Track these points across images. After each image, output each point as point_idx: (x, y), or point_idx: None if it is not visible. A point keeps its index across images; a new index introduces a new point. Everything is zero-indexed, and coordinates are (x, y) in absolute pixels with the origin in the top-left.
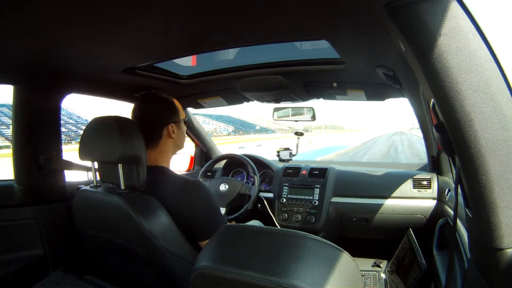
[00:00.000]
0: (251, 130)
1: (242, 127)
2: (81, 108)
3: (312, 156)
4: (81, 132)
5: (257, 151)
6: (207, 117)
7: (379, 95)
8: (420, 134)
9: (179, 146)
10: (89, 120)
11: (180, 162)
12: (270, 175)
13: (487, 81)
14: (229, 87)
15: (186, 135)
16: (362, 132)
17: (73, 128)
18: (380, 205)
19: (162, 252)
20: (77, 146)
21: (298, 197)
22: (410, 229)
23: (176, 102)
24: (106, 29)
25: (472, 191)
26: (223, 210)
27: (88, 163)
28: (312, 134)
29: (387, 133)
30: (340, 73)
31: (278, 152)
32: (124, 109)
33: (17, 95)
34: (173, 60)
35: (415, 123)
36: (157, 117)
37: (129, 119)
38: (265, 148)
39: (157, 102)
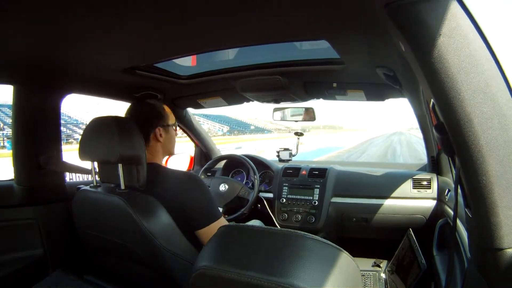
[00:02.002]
0: (247, 130)
1: (238, 127)
2: (71, 108)
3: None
4: (71, 132)
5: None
6: (202, 117)
7: (379, 95)
8: (420, 134)
9: (168, 150)
10: (80, 120)
11: (180, 162)
12: (270, 175)
13: (487, 81)
14: (229, 87)
15: (186, 136)
16: (360, 132)
17: (63, 128)
18: (380, 205)
19: (162, 252)
20: (67, 147)
21: (298, 197)
22: (410, 229)
23: (165, 108)
24: (105, 29)
25: (472, 191)
26: (220, 210)
27: (87, 165)
28: (309, 134)
29: (385, 133)
30: (340, 73)
31: (278, 152)
32: (117, 108)
33: (17, 95)
34: (173, 60)
35: (414, 123)
36: (146, 119)
37: (129, 119)
38: (245, 151)
39: (146, 106)
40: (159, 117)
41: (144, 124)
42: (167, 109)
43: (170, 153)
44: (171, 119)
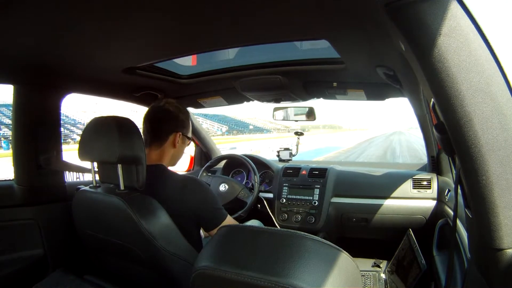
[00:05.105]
0: (246, 130)
1: (237, 127)
2: (69, 107)
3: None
4: (68, 132)
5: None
6: (200, 116)
7: (379, 95)
8: (419, 134)
9: (175, 160)
10: (77, 120)
11: (180, 162)
12: (270, 175)
13: (487, 80)
14: (229, 86)
15: None
16: (359, 132)
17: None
18: (380, 206)
19: (161, 252)
20: (64, 147)
21: (298, 197)
22: (410, 229)
23: (189, 119)
24: (106, 29)
25: (472, 191)
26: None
27: (87, 165)
28: (308, 134)
29: (385, 133)
30: (340, 72)
31: (278, 152)
32: (116, 108)
33: (17, 95)
34: (173, 60)
35: (414, 123)
36: (170, 121)
37: (129, 119)
38: (240, 151)
39: (176, 109)
40: (183, 124)
41: (166, 125)
42: (190, 120)
43: (173, 164)
44: (190, 131)
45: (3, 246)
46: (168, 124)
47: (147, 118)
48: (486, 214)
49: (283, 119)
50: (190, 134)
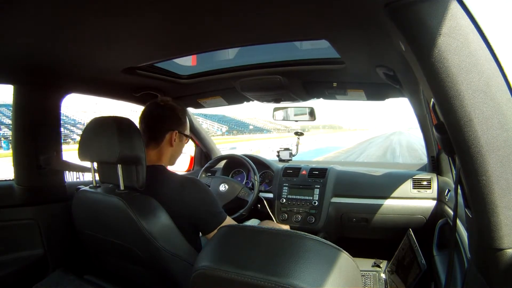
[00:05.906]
0: (246, 130)
1: (237, 127)
2: (69, 107)
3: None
4: (68, 132)
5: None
6: (200, 117)
7: (379, 95)
8: (419, 134)
9: (173, 159)
10: (77, 120)
11: (180, 162)
12: (270, 175)
13: (487, 81)
14: (229, 86)
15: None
16: (360, 132)
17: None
18: (380, 205)
19: (161, 252)
20: (64, 147)
21: (298, 197)
22: (410, 229)
23: (186, 117)
24: (106, 29)
25: (472, 191)
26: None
27: (87, 164)
28: (308, 134)
29: (385, 133)
30: (340, 73)
31: (278, 152)
32: (116, 108)
33: (17, 95)
34: (173, 60)
35: (414, 123)
36: (166, 119)
37: (129, 119)
38: (240, 151)
39: (171, 107)
40: (179, 122)
41: (162, 124)
42: (186, 118)
43: (172, 163)
44: (188, 129)
45: (3, 246)
46: (163, 122)
47: (143, 118)
48: (486, 214)
49: (283, 119)
50: (187, 132)
